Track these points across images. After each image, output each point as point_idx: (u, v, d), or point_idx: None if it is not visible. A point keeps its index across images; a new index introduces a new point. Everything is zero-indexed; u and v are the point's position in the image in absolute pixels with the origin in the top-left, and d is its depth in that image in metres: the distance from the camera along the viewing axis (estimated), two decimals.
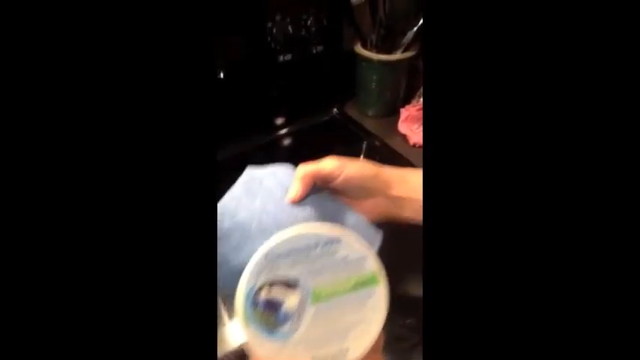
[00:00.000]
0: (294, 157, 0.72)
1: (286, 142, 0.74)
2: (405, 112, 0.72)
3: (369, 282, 0.28)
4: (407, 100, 0.77)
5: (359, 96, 0.79)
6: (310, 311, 0.27)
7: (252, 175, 0.37)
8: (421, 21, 0.67)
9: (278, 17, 0.64)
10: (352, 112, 0.79)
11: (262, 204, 0.34)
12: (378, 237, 0.36)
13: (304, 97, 0.76)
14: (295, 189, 0.34)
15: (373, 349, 0.28)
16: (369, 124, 0.76)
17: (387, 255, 0.34)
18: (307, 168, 0.34)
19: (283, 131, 0.74)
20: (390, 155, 0.70)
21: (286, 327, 0.27)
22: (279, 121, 0.75)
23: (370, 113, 0.78)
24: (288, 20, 0.65)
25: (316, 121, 0.77)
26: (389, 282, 0.27)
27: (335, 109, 0.79)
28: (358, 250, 0.28)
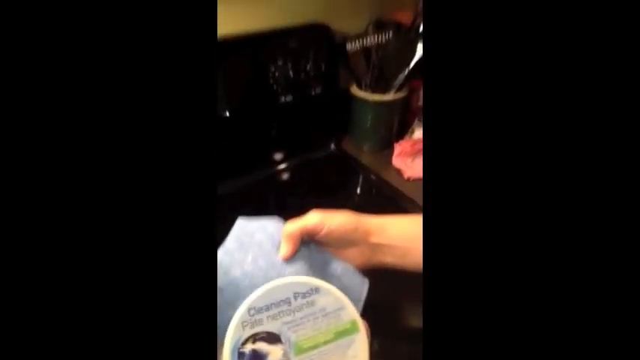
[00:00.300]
0: (295, 189, 0.75)
1: (286, 176, 0.77)
2: (398, 148, 0.75)
3: (349, 331, 0.29)
4: (400, 136, 0.81)
5: (355, 133, 0.82)
6: None
7: (244, 228, 0.37)
8: (412, 64, 0.73)
9: (280, 62, 0.69)
10: (349, 147, 0.83)
11: (254, 259, 0.35)
12: (365, 283, 0.37)
13: (304, 135, 0.80)
14: (285, 248, 0.36)
15: None
16: (365, 159, 0.79)
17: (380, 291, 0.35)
18: (293, 226, 0.36)
19: (283, 166, 0.78)
20: (385, 188, 0.73)
21: None
22: (280, 156, 0.78)
23: (365, 149, 0.82)
24: (289, 65, 0.70)
25: (315, 156, 0.80)
26: (384, 315, 0.28)
27: (332, 145, 0.83)
28: (336, 298, 0.29)
